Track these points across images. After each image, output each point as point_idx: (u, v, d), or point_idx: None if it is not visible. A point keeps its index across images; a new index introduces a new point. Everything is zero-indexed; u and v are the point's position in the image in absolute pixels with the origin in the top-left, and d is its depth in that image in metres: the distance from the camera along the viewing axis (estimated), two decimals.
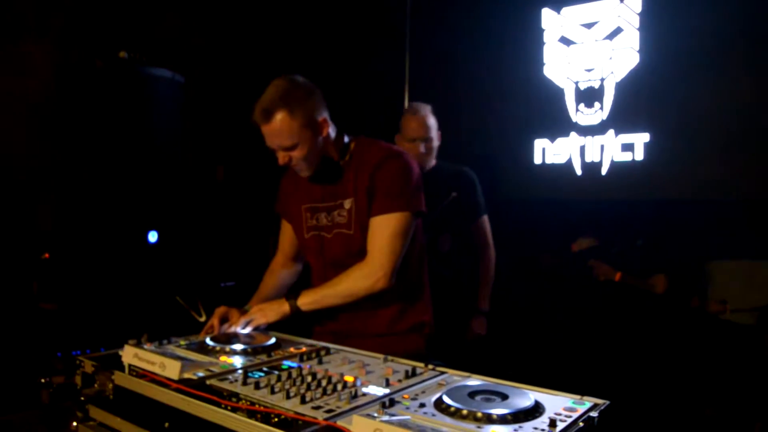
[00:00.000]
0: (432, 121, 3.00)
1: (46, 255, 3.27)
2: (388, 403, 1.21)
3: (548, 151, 4.24)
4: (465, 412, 1.16)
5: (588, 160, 4.08)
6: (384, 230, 1.98)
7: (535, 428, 1.11)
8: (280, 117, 1.92)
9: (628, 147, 3.92)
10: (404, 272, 2.06)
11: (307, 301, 1.99)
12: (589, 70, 4.08)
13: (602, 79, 4.02)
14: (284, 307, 1.97)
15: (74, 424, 1.57)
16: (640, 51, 3.87)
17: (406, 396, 1.29)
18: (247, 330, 1.93)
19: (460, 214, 3.02)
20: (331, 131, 2.07)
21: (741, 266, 3.68)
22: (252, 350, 1.66)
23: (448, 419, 1.15)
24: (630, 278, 3.91)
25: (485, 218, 3.10)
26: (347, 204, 2.07)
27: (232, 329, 1.92)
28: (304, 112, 1.95)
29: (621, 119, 3.96)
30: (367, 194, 2.02)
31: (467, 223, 3.07)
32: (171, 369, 1.41)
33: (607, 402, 1.24)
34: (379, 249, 1.98)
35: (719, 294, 3.74)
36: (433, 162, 3.06)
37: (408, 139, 2.96)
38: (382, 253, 1.97)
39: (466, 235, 3.08)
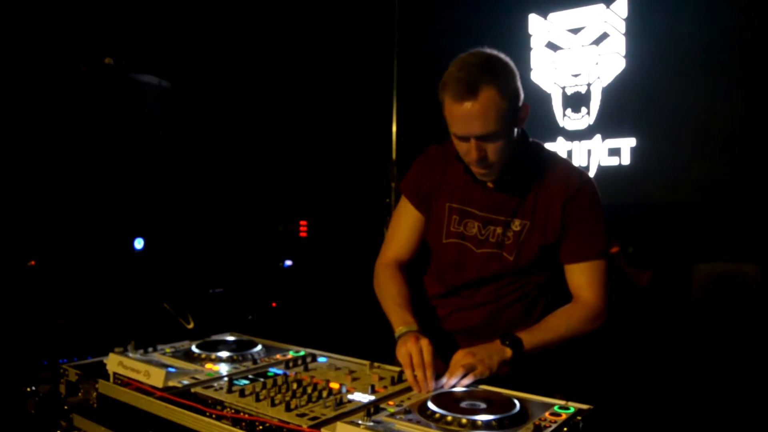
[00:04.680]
0: None
1: (32, 262, 3.24)
2: (372, 410, 1.21)
3: None
4: (450, 418, 1.16)
5: (575, 164, 4.08)
6: (599, 275, 1.72)
7: None
8: (487, 94, 1.52)
9: (614, 152, 3.95)
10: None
11: (533, 342, 1.61)
12: (575, 75, 4.11)
13: (589, 84, 4.05)
14: (506, 351, 1.56)
15: None
16: (627, 56, 3.91)
17: (391, 402, 1.29)
18: (466, 382, 1.46)
19: None
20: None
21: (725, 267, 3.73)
22: (238, 357, 1.65)
23: (432, 425, 1.15)
24: (622, 260, 3.91)
25: None
26: (516, 225, 1.72)
27: (450, 383, 1.44)
28: (513, 93, 1.57)
29: (608, 124, 3.98)
30: (553, 225, 1.71)
31: None
32: (156, 377, 1.41)
33: (592, 407, 1.25)
34: (599, 296, 1.73)
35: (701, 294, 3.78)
36: None
37: None
38: (603, 300, 1.73)
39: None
